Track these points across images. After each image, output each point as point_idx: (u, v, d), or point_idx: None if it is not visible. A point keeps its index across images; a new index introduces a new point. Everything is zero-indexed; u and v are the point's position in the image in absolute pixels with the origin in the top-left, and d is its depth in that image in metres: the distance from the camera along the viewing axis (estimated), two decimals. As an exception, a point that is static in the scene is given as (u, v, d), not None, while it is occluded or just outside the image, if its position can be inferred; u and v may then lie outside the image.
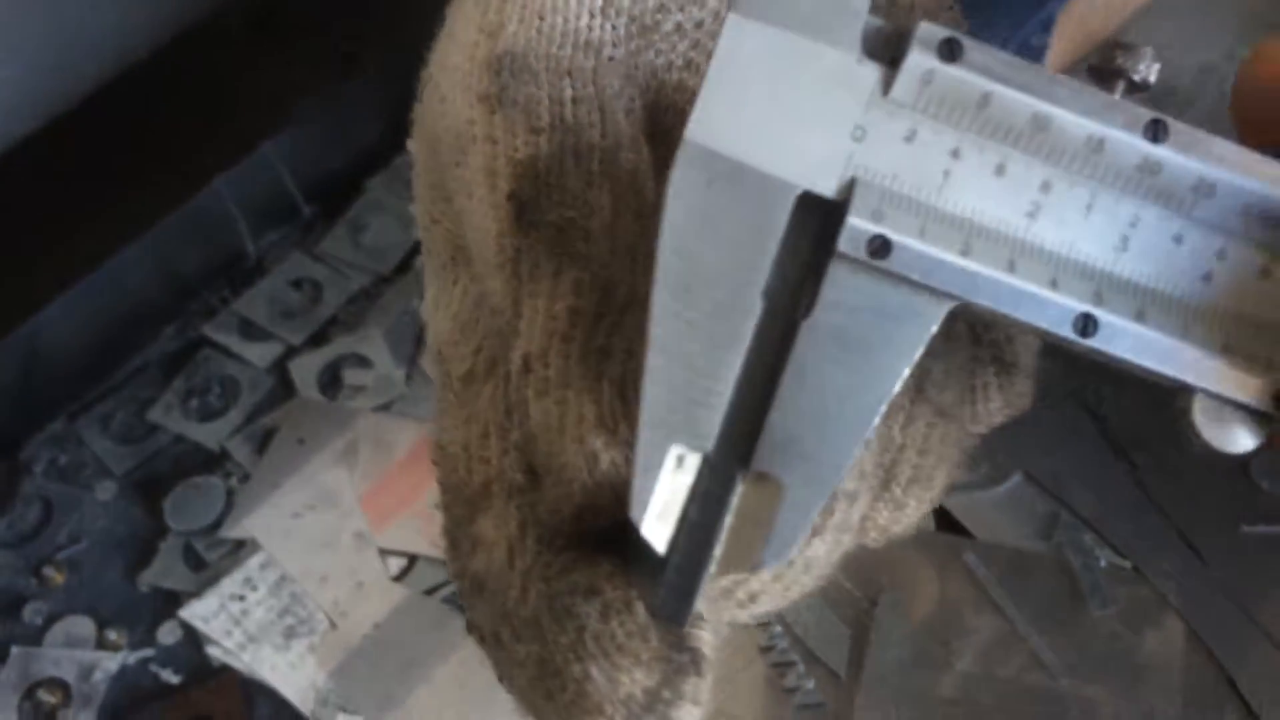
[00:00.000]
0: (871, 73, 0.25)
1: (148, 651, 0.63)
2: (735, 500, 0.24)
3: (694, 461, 0.24)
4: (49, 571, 0.65)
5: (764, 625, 0.65)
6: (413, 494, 0.68)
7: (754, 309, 0.25)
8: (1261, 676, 0.62)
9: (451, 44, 0.34)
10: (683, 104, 0.33)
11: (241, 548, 0.66)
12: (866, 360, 0.25)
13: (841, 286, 0.25)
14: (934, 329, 0.25)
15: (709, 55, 0.32)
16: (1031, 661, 0.65)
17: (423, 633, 0.64)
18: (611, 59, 0.32)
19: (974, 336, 0.32)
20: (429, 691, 0.63)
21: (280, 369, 0.71)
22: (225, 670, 0.62)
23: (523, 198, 0.31)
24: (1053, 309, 0.25)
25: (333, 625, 0.64)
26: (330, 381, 0.71)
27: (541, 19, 0.32)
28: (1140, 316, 0.26)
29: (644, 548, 0.24)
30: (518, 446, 0.30)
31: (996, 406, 0.32)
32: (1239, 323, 0.26)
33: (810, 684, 0.65)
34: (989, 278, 0.25)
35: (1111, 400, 0.64)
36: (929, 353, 0.26)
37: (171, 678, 0.62)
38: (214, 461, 0.68)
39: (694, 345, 0.24)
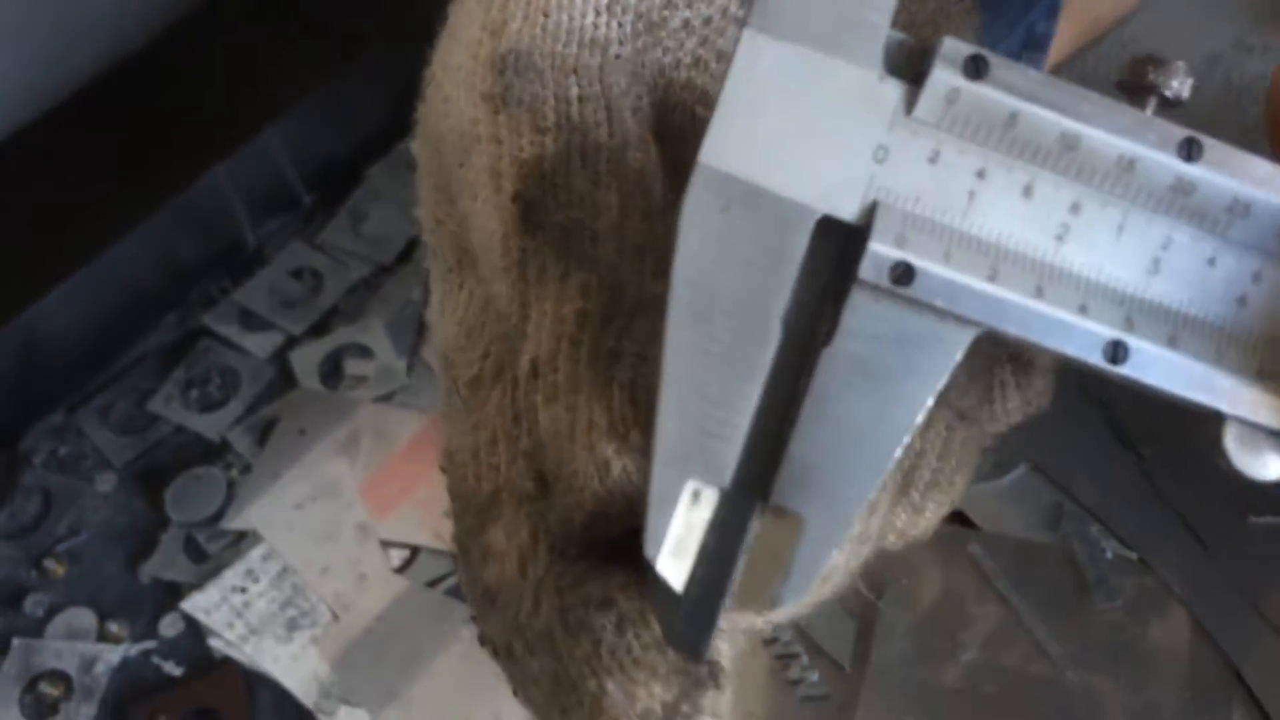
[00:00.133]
0: (894, 90, 0.24)
1: (149, 643, 0.63)
2: (753, 534, 0.24)
3: (710, 496, 0.24)
4: (50, 563, 0.64)
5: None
6: (414, 483, 0.67)
7: (772, 338, 0.24)
8: (1267, 667, 0.62)
9: (454, 43, 0.33)
10: (691, 102, 0.33)
11: (243, 539, 0.66)
12: (888, 390, 0.24)
13: (863, 314, 0.24)
14: (958, 357, 0.24)
15: (718, 53, 0.31)
16: (1036, 652, 0.65)
17: (425, 625, 0.64)
18: (618, 57, 0.31)
19: (991, 336, 0.32)
20: (431, 683, 0.63)
21: (281, 359, 0.70)
22: (227, 662, 0.62)
23: (528, 199, 0.30)
24: (1082, 336, 0.25)
25: (335, 617, 0.64)
26: (331, 372, 0.70)
27: (546, 16, 0.31)
28: (1172, 342, 0.25)
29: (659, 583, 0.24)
30: (527, 454, 0.30)
31: (1015, 405, 0.32)
32: (1274, 347, 0.25)
33: (815, 676, 0.65)
34: (1016, 304, 0.24)
35: (1118, 391, 0.64)
36: None
37: (173, 670, 0.62)
38: (215, 452, 0.68)
39: (710, 376, 0.24)
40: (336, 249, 0.73)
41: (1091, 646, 0.64)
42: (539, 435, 0.29)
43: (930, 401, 0.24)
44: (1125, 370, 0.25)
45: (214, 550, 0.65)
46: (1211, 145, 0.25)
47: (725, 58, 0.30)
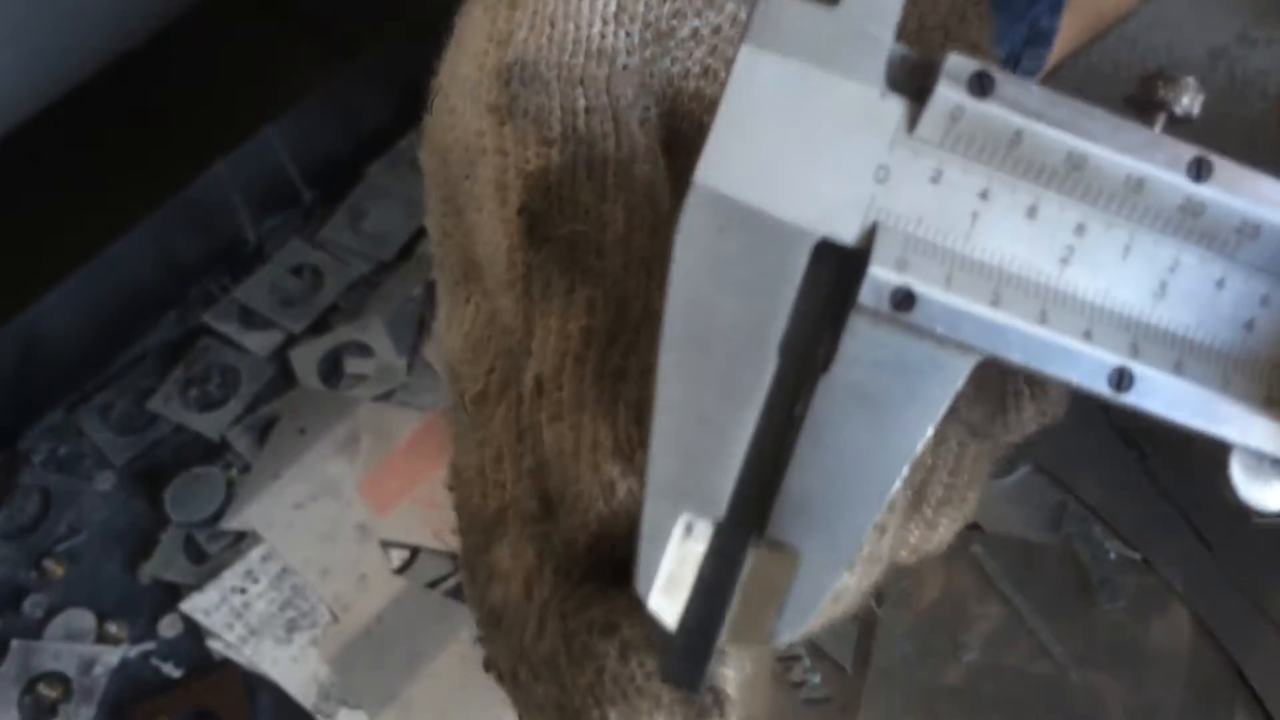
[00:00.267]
0: (896, 108, 0.24)
1: (149, 645, 0.62)
2: (749, 567, 0.23)
3: (704, 529, 0.23)
4: (49, 564, 0.64)
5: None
6: (413, 480, 0.67)
7: (769, 364, 0.23)
8: (1269, 667, 0.62)
9: (460, 53, 0.32)
10: (700, 113, 0.32)
11: (243, 539, 0.65)
12: (888, 418, 0.23)
13: (862, 340, 0.23)
14: (960, 384, 0.24)
15: (728, 62, 0.31)
16: (1038, 652, 0.65)
17: (425, 626, 0.64)
18: (625, 67, 0.30)
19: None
20: (431, 685, 0.63)
21: (281, 357, 0.70)
22: (227, 664, 0.62)
23: (534, 211, 0.29)
24: (1086, 363, 0.24)
25: (335, 618, 0.64)
26: (331, 370, 0.70)
27: (552, 26, 0.30)
28: (1178, 368, 0.24)
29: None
30: (531, 472, 0.29)
31: (1030, 416, 0.31)
32: (1280, 372, 0.25)
33: (816, 678, 0.64)
34: (1019, 331, 0.24)
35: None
36: None
37: (173, 671, 0.62)
38: (214, 452, 0.67)
39: (705, 403, 0.23)
40: (337, 246, 0.73)
41: (1094, 646, 0.64)
42: (543, 454, 0.29)
43: (931, 430, 0.24)
44: (1130, 398, 0.24)
45: (213, 551, 0.65)
46: (1222, 165, 0.24)
47: None
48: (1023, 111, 0.24)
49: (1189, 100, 0.25)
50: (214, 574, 0.64)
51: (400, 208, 0.73)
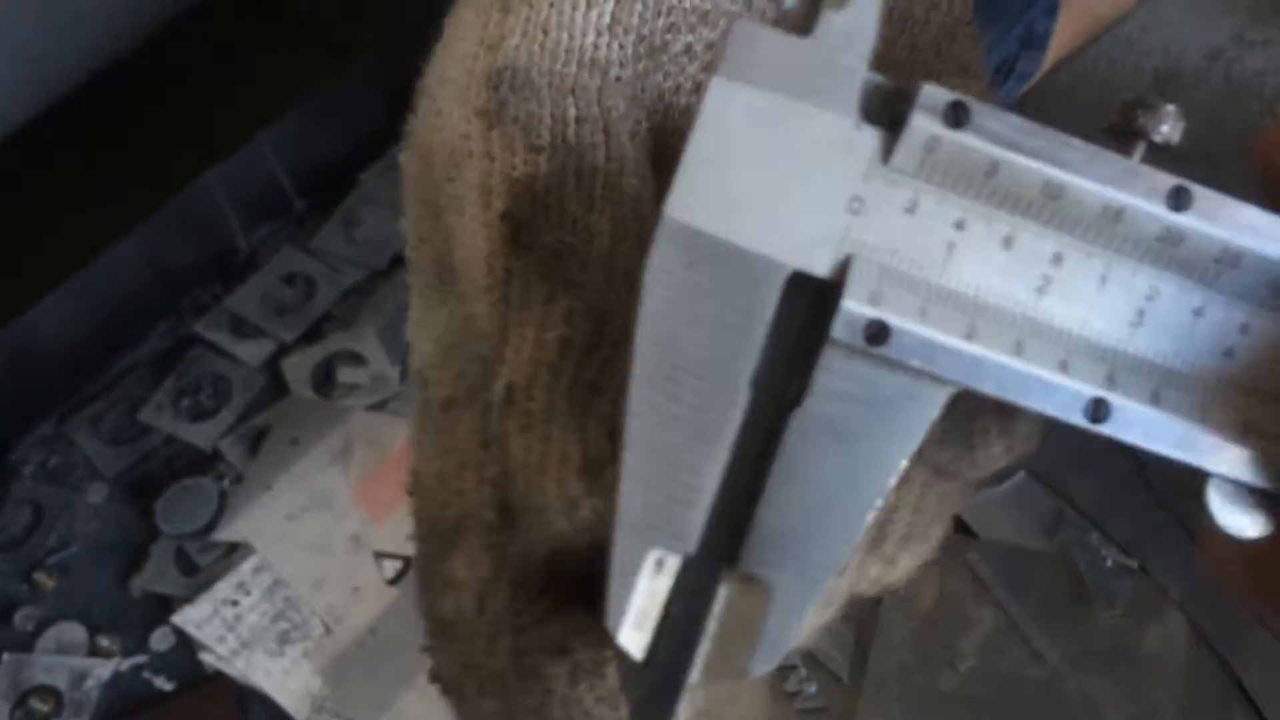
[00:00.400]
0: (870, 139, 0.24)
1: (140, 658, 0.62)
2: (720, 603, 0.23)
3: (674, 564, 0.23)
4: (40, 577, 0.64)
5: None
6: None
7: (740, 399, 0.23)
8: (1265, 672, 0.62)
9: (449, 56, 0.32)
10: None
11: (234, 551, 0.65)
12: (861, 451, 0.23)
13: (835, 374, 0.23)
14: (934, 416, 0.24)
15: (700, 90, 0.30)
16: (1034, 658, 0.64)
17: (418, 637, 0.63)
18: (618, 79, 0.30)
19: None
20: (423, 697, 0.62)
21: (272, 367, 0.70)
22: (219, 677, 0.62)
23: (518, 218, 0.29)
24: (1062, 395, 0.24)
25: (327, 630, 0.64)
26: (324, 379, 0.70)
27: (545, 34, 0.30)
28: (1155, 399, 0.24)
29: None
30: (493, 482, 0.29)
31: (998, 452, 0.31)
32: (1263, 400, 0.24)
33: (813, 688, 0.64)
34: (995, 363, 0.23)
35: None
36: None
37: (164, 685, 0.62)
38: (206, 463, 0.67)
39: (675, 439, 0.23)
40: (329, 254, 0.73)
41: (1090, 652, 0.64)
42: (508, 464, 0.28)
43: (905, 463, 0.23)
44: (1107, 429, 0.24)
45: (205, 562, 0.65)
46: (1202, 194, 0.24)
47: None
48: (999, 142, 0.24)
49: (1169, 128, 0.25)
50: (206, 586, 0.64)
51: (394, 215, 0.73)
